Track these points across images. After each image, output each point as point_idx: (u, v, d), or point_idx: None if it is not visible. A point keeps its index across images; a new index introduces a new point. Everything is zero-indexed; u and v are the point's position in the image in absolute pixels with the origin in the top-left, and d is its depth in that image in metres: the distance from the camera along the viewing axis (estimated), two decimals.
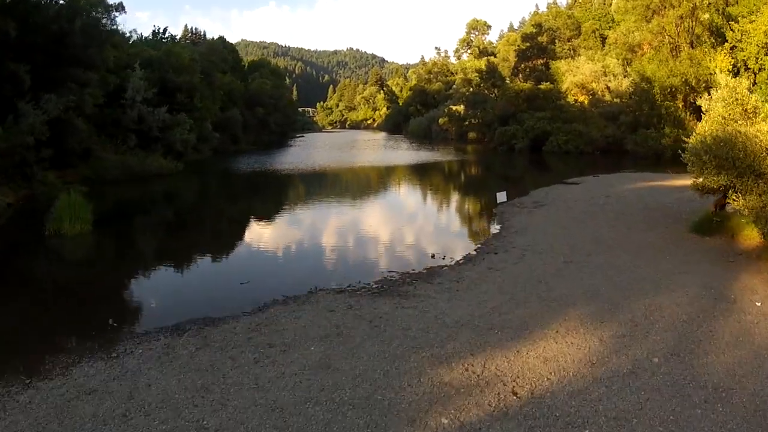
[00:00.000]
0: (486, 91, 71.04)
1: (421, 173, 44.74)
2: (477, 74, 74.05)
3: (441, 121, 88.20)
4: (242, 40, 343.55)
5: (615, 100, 57.19)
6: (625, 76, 58.17)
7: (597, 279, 12.34)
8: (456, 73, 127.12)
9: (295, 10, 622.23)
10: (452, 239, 19.49)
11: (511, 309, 10.45)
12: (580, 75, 58.64)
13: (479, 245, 17.05)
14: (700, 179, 15.58)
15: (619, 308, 10.29)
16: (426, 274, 13.60)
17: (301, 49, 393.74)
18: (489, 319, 9.89)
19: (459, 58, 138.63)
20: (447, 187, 37.82)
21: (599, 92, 58.00)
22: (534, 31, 72.93)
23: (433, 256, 15.40)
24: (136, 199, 30.68)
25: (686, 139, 16.78)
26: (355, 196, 32.21)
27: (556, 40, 71.90)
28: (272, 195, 33.44)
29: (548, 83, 60.97)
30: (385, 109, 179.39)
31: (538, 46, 70.94)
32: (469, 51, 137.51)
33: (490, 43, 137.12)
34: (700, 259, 13.88)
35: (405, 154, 62.07)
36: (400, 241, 18.57)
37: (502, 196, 24.71)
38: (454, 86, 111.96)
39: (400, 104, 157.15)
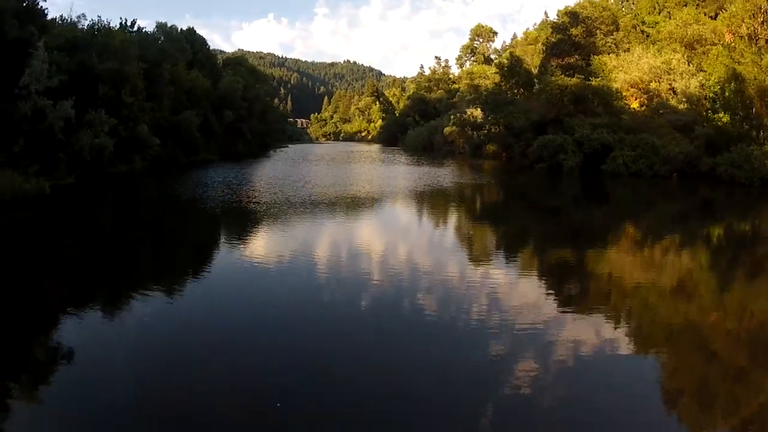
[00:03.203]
0: (508, 93, 56.78)
1: (440, 217, 25.81)
2: (497, 70, 59.89)
3: (447, 131, 73.94)
4: (239, 49, 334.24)
5: (681, 105, 43.48)
6: (692, 75, 44.62)
7: None
8: (460, 80, 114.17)
9: (294, 23, 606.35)
10: None
11: None
12: (636, 72, 44.74)
13: None
14: None
15: None
16: None
17: (298, 60, 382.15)
18: None
19: (461, 66, 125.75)
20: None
21: (663, 94, 44.07)
22: (567, 21, 58.70)
23: None
24: None
25: None
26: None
27: (598, 32, 57.66)
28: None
29: (599, 80, 46.64)
30: (380, 120, 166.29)
31: (571, 40, 56.95)
32: (473, 59, 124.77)
33: (496, 50, 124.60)
34: None
35: (405, 172, 46.56)
36: None
37: None
38: (459, 93, 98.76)
39: (397, 115, 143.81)
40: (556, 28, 59.38)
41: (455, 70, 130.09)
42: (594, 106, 44.22)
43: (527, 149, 46.33)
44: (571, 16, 58.93)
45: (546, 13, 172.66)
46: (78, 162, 35.75)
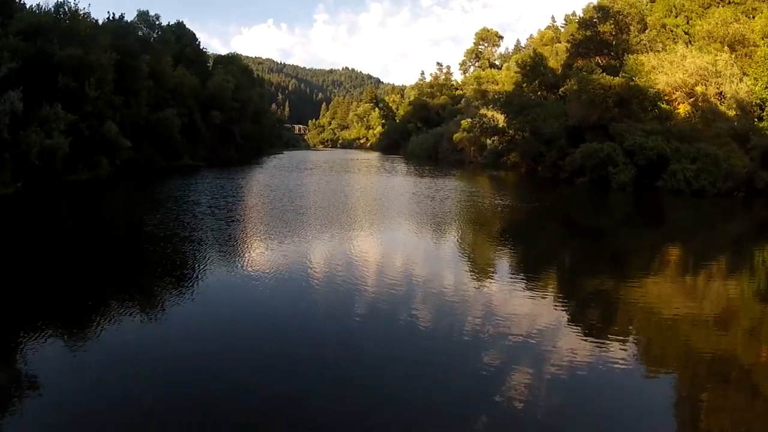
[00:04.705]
0: (533, 96, 50.74)
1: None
2: (518, 69, 53.90)
3: (457, 137, 68.00)
4: (237, 53, 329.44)
5: (731, 111, 38.01)
6: (740, 79, 39.26)
7: None
8: (464, 86, 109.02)
9: (293, 29, 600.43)
10: None
11: None
12: (681, 73, 39.07)
13: None
14: None
15: None
16: None
17: (296, 66, 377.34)
18: None
19: (465, 72, 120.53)
20: None
21: (710, 98, 38.45)
22: (596, 16, 52.68)
23: None
24: None
25: None
26: None
27: (631, 28, 51.56)
28: None
29: (643, 80, 40.56)
30: (379, 127, 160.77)
31: (598, 38, 51.09)
32: (477, 64, 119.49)
33: (501, 55, 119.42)
34: None
35: (415, 188, 37.00)
36: None
37: None
38: (465, 99, 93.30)
39: (397, 122, 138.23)
40: (584, 24, 53.44)
41: (458, 77, 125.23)
42: (637, 111, 38.27)
43: (560, 159, 40.07)
44: (601, 10, 52.87)
45: (553, 17, 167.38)
46: (26, 166, 29.91)
